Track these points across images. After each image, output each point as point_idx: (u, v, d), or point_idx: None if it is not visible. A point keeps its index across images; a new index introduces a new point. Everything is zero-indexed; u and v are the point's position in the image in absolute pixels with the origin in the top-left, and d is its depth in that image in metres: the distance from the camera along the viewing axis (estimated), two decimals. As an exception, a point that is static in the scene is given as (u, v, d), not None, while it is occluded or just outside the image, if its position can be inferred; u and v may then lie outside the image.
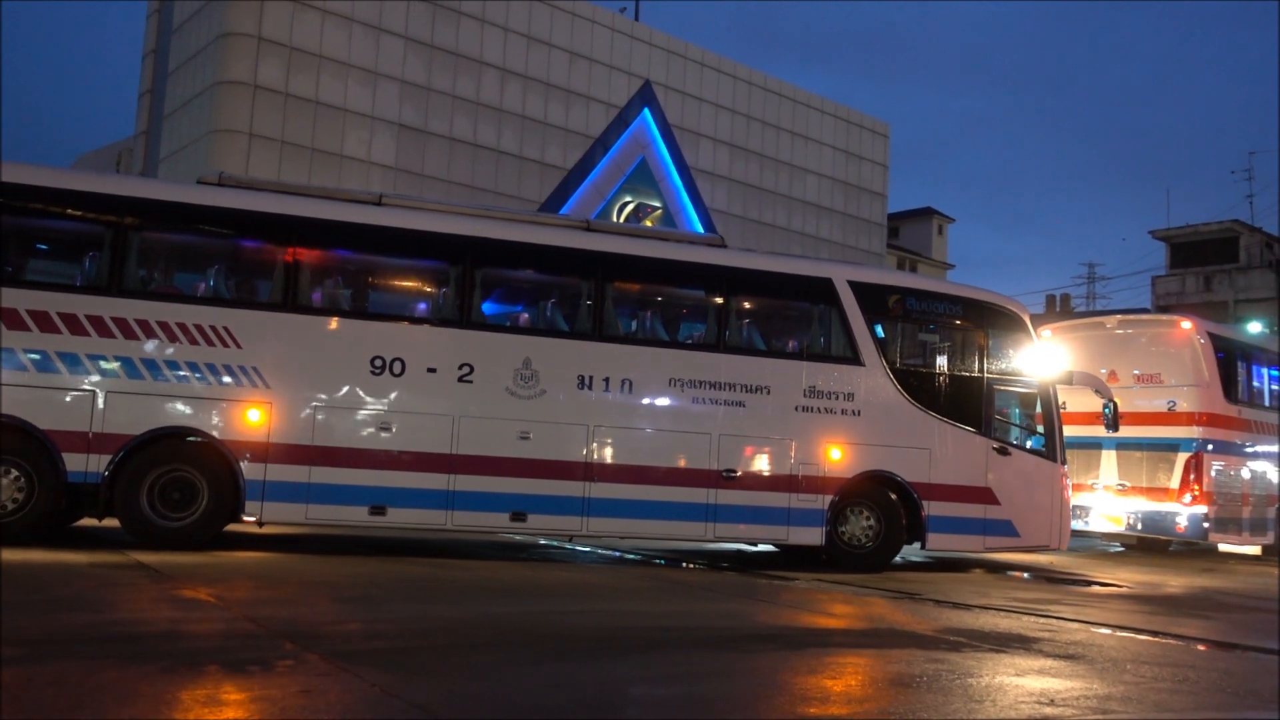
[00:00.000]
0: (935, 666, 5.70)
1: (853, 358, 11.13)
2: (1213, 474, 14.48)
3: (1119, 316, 17.58)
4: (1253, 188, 67.26)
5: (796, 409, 10.88)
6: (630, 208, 29.14)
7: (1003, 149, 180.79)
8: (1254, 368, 16.05)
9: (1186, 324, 15.09)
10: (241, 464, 9.33)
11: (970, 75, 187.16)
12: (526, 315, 11.27)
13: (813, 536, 10.87)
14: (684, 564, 11.35)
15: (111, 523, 9.30)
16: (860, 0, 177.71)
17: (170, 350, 9.26)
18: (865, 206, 35.49)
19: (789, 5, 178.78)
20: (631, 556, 11.72)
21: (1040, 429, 11.96)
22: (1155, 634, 7.47)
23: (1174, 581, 11.98)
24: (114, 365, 9.13)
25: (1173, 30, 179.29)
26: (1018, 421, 12.21)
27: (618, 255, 10.75)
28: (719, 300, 11.04)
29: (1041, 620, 7.90)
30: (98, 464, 8.99)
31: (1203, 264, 38.18)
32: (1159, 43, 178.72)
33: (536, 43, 27.74)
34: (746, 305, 11.43)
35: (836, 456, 10.95)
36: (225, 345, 9.38)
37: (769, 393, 10.81)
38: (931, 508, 11.14)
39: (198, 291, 9.95)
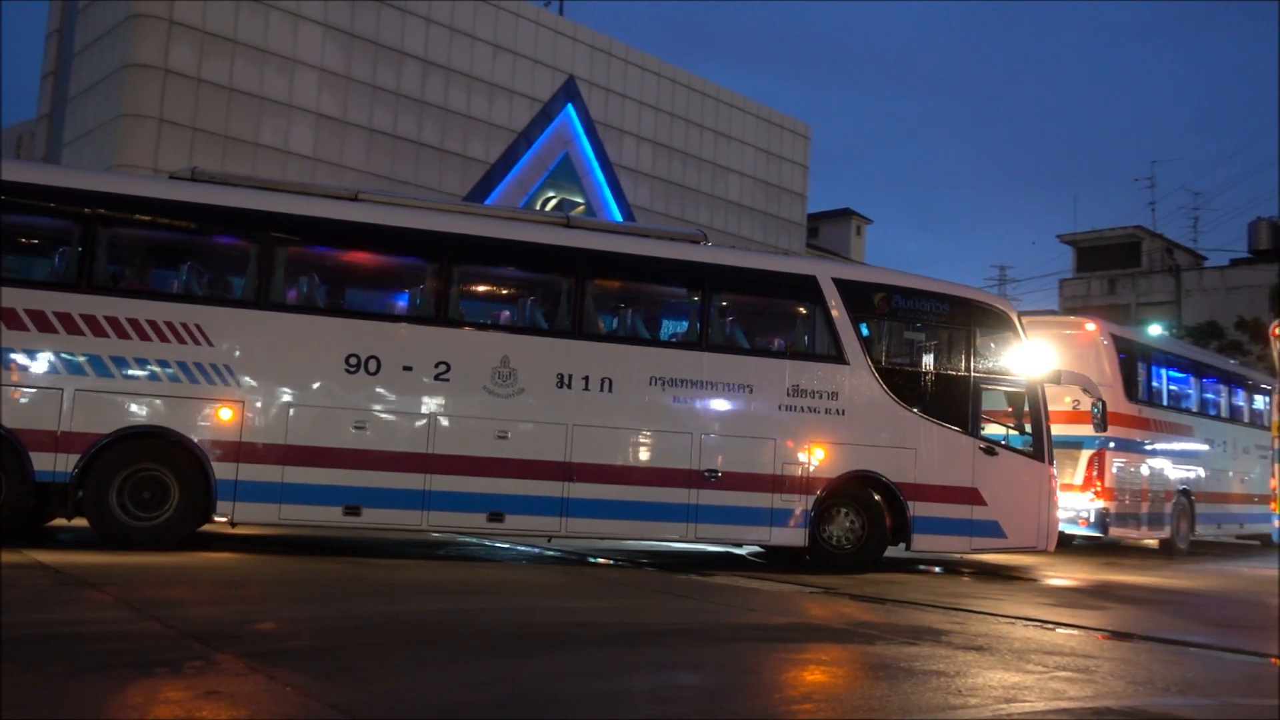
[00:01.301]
0: (844, 659, 5.80)
1: (837, 356, 10.97)
2: (1114, 470, 15.00)
3: (1028, 318, 18.10)
4: (1154, 195, 69.96)
5: (780, 408, 10.74)
6: (553, 203, 29.01)
7: (920, 152, 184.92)
8: (1154, 369, 16.68)
9: (1091, 325, 15.59)
10: (213, 463, 9.17)
11: (890, 79, 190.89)
12: (504, 313, 11.09)
13: (795, 537, 10.71)
14: (600, 560, 11.36)
15: (82, 522, 9.07)
16: (784, 1, 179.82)
17: (140, 348, 9.07)
18: (786, 206, 35.93)
19: (713, 5, 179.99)
20: (551, 553, 11.69)
21: (1028, 429, 11.80)
22: (1062, 625, 7.73)
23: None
24: (83, 363, 8.95)
25: (1083, 42, 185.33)
26: (1005, 421, 12.09)
27: (597, 252, 10.62)
28: (700, 298, 10.89)
29: (959, 614, 8.10)
30: (66, 463, 8.80)
31: (1107, 268, 39.56)
32: (1070, 54, 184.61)
33: (459, 35, 27.44)
34: (729, 303, 11.27)
35: (820, 456, 10.80)
36: (197, 343, 9.22)
37: (752, 392, 10.68)
38: (917, 508, 10.97)
39: (169, 288, 9.76)
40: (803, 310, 11.37)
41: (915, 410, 11.12)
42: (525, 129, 28.78)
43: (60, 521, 9.60)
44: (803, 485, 10.70)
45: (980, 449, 11.29)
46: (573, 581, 9.48)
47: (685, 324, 11.34)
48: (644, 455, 10.40)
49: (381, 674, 4.84)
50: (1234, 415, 19.17)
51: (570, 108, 29.79)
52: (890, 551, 11.37)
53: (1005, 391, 11.98)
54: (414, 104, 26.47)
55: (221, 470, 9.18)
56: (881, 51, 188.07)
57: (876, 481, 10.98)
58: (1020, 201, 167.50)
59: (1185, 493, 16.69)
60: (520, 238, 10.51)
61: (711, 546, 12.51)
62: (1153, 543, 16.93)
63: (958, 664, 5.80)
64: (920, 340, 11.80)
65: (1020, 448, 11.73)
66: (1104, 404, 12.83)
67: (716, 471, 10.44)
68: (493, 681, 4.85)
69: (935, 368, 11.51)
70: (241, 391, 9.32)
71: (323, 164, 24.36)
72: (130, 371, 9.08)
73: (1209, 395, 18.59)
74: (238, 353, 9.36)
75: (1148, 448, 15.88)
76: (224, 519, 9.30)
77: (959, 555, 12.35)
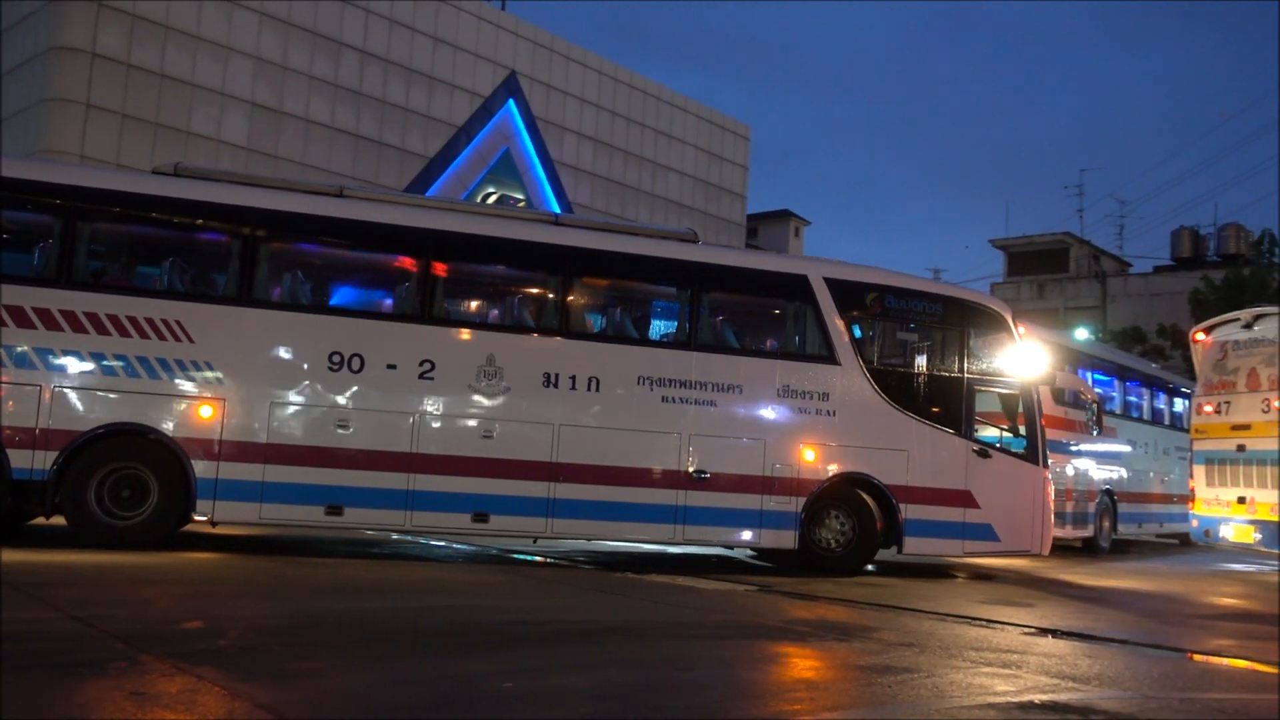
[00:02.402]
0: (777, 655, 5.87)
1: (828, 356, 10.83)
2: (1041, 470, 15.32)
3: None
4: (1083, 202, 71.82)
5: (770, 409, 10.63)
6: (493, 199, 28.85)
7: (858, 155, 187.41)
8: (1079, 372, 17.13)
9: (1019, 330, 15.93)
10: (193, 462, 9.06)
11: (829, 82, 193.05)
12: (490, 311, 10.97)
13: (786, 540, 10.56)
14: (538, 559, 11.33)
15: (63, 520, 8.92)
16: (727, 1, 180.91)
17: (121, 344, 8.97)
18: (725, 206, 36.18)
19: (656, 4, 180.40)
20: (493, 551, 11.63)
21: (1022, 431, 11.62)
22: (990, 622, 7.90)
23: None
24: (62, 360, 8.88)
25: (1017, 51, 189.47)
26: (998, 423, 11.94)
27: (585, 250, 10.52)
28: (690, 297, 10.74)
29: (892, 611, 8.23)
30: (44, 461, 8.70)
31: (1037, 273, 40.52)
32: (1004, 62, 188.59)
33: (399, 26, 27.14)
34: (718, 302, 11.13)
35: (811, 458, 10.65)
36: (178, 340, 9.12)
37: (741, 392, 10.54)
38: (909, 511, 10.81)
39: (150, 284, 9.60)
40: (794, 310, 11.28)
41: (907, 412, 10.97)
42: (465, 124, 28.58)
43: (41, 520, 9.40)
44: (793, 487, 10.55)
45: (973, 451, 11.15)
46: (510, 580, 9.44)
47: (674, 323, 11.20)
48: (631, 456, 10.20)
49: (314, 674, 4.77)
50: (1155, 418, 19.78)
51: (511, 103, 29.64)
52: (883, 554, 11.27)
53: (999, 393, 11.85)
54: (352, 96, 26.12)
55: (201, 469, 9.09)
56: (821, 55, 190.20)
57: (868, 483, 10.84)
58: (955, 206, 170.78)
59: (1109, 492, 17.17)
60: (507, 235, 10.38)
61: (704, 549, 12.28)
62: (1076, 541, 17.38)
63: (887, 661, 5.90)
64: (913, 341, 11.72)
65: (1014, 450, 11.56)
66: (1099, 405, 12.68)
67: (705, 473, 10.30)
68: (428, 680, 4.82)
69: (928, 369, 11.45)
70: (223, 389, 9.23)
71: (257, 154, 23.93)
72: (110, 369, 8.98)
73: (1132, 398, 19.14)
74: (219, 350, 9.27)
75: (1073, 448, 16.28)
76: (204, 518, 9.18)
77: (952, 558, 12.16)
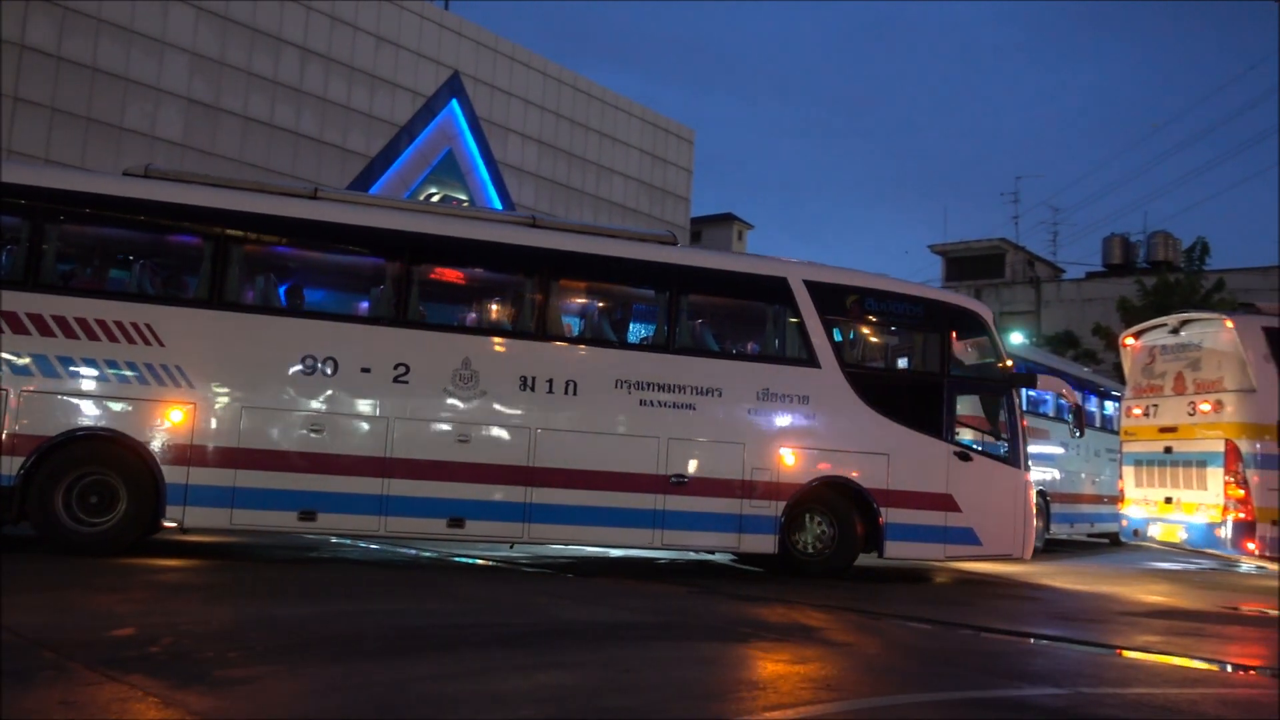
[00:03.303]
0: (719, 656, 5.90)
1: (808, 359, 10.67)
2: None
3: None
4: (1018, 209, 73.29)
5: (749, 412, 10.46)
6: (435, 199, 28.61)
7: (801, 160, 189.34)
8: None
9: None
10: (162, 467, 8.90)
11: (773, 87, 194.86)
12: (466, 314, 10.79)
13: (765, 544, 10.39)
14: (479, 561, 11.26)
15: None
16: (672, 1, 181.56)
17: (89, 348, 8.83)
18: (669, 209, 36.29)
19: (600, 5, 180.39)
20: (428, 554, 11.53)
21: (1003, 435, 11.42)
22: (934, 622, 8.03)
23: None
24: (28, 363, 8.71)
25: (955, 60, 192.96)
26: (980, 427, 11.79)
27: (562, 252, 10.35)
28: (668, 299, 10.57)
29: (837, 612, 8.33)
30: (10, 466, 8.55)
31: (973, 278, 41.23)
32: (943, 70, 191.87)
33: (340, 24, 26.80)
34: (697, 304, 10.94)
35: (790, 462, 10.49)
36: (147, 343, 8.95)
37: (720, 395, 10.37)
38: (889, 515, 10.64)
39: (119, 287, 9.41)
40: (773, 313, 11.13)
41: (888, 415, 10.78)
42: (408, 123, 28.31)
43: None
44: (772, 491, 10.40)
45: (954, 454, 10.96)
46: (451, 582, 9.37)
47: (653, 326, 11.03)
48: (609, 460, 10.03)
49: (247, 680, 4.69)
50: (1087, 421, 20.24)
51: (455, 103, 29.44)
52: (865, 560, 11.14)
53: (980, 396, 11.77)
54: (292, 93, 25.73)
55: (171, 474, 8.92)
56: (763, 60, 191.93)
57: (848, 487, 10.68)
58: (896, 211, 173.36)
59: (1042, 493, 17.52)
60: (483, 237, 10.25)
61: (683, 553, 12.02)
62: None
63: (826, 659, 5.97)
64: (893, 343, 11.54)
65: (995, 453, 11.38)
66: (1079, 408, 12.78)
67: (684, 477, 10.15)
68: (365, 685, 4.76)
69: (909, 372, 11.25)
70: (193, 393, 9.07)
71: (193, 151, 23.46)
72: (78, 373, 8.85)
73: (1065, 402, 19.55)
74: (189, 353, 9.10)
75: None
76: (173, 524, 9.01)
77: (934, 562, 12.04)
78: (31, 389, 8.71)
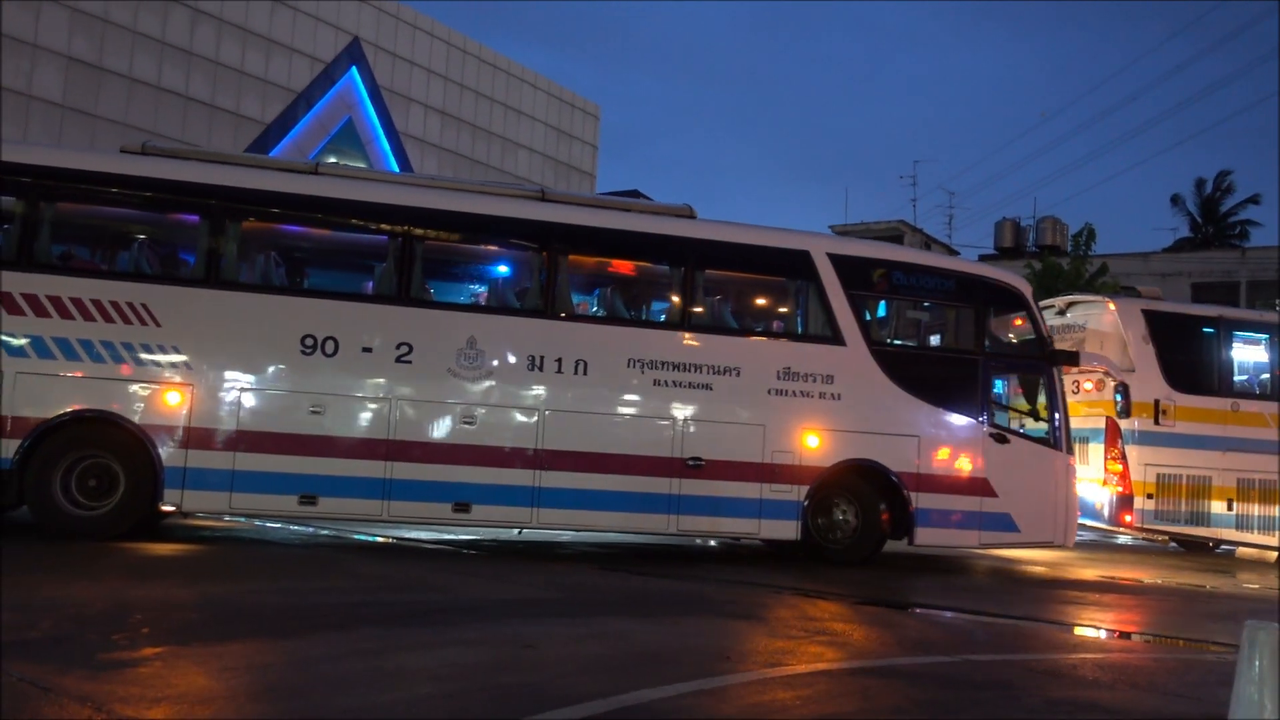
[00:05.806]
0: (622, 631, 5.93)
1: (832, 337, 10.15)
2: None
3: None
4: (916, 192, 75.14)
5: (769, 392, 9.91)
6: (335, 169, 27.88)
7: (704, 138, 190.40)
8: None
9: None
10: (160, 449, 8.65)
11: (678, 66, 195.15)
12: (471, 291, 10.40)
13: (787, 530, 9.89)
14: (380, 539, 11.08)
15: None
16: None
17: (85, 329, 8.60)
18: (575, 185, 36.10)
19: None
20: (325, 532, 11.29)
21: (1043, 415, 10.91)
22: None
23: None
24: (24, 344, 8.50)
25: (858, 46, 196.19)
26: (1017, 407, 11.34)
27: (572, 226, 9.89)
28: (684, 274, 10.11)
29: (742, 588, 8.44)
30: (8, 449, 8.36)
31: (873, 258, 42.08)
32: (845, 55, 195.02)
33: (234, -16, 25.79)
34: (714, 280, 10.49)
35: (814, 444, 9.96)
36: (144, 324, 8.71)
37: (739, 375, 9.87)
38: (920, 500, 10.09)
39: (115, 266, 9.19)
40: (795, 288, 10.65)
41: (918, 395, 10.26)
42: (305, 90, 27.48)
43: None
44: (795, 475, 9.89)
45: (990, 436, 10.40)
46: (357, 560, 9.20)
47: (667, 302, 10.55)
48: (621, 442, 9.60)
49: (136, 662, 4.52)
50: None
51: (354, 71, 28.68)
52: (894, 545, 10.63)
53: (1019, 375, 11.34)
54: (182, 55, 24.71)
55: (169, 457, 8.67)
56: (670, 38, 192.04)
57: (875, 471, 10.13)
58: (799, 192, 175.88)
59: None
60: (489, 211, 9.95)
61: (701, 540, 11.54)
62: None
63: (730, 633, 6.06)
64: (924, 320, 11.10)
65: (1034, 435, 10.85)
66: (1126, 387, 12.70)
67: (701, 460, 9.67)
68: (261, 665, 4.64)
69: (940, 349, 10.92)
70: (191, 374, 8.81)
71: (73, 112, 22.37)
72: (74, 354, 8.58)
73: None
74: (187, 333, 8.84)
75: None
76: (171, 508, 8.79)
77: (968, 550, 11.43)
78: (27, 371, 8.49)
